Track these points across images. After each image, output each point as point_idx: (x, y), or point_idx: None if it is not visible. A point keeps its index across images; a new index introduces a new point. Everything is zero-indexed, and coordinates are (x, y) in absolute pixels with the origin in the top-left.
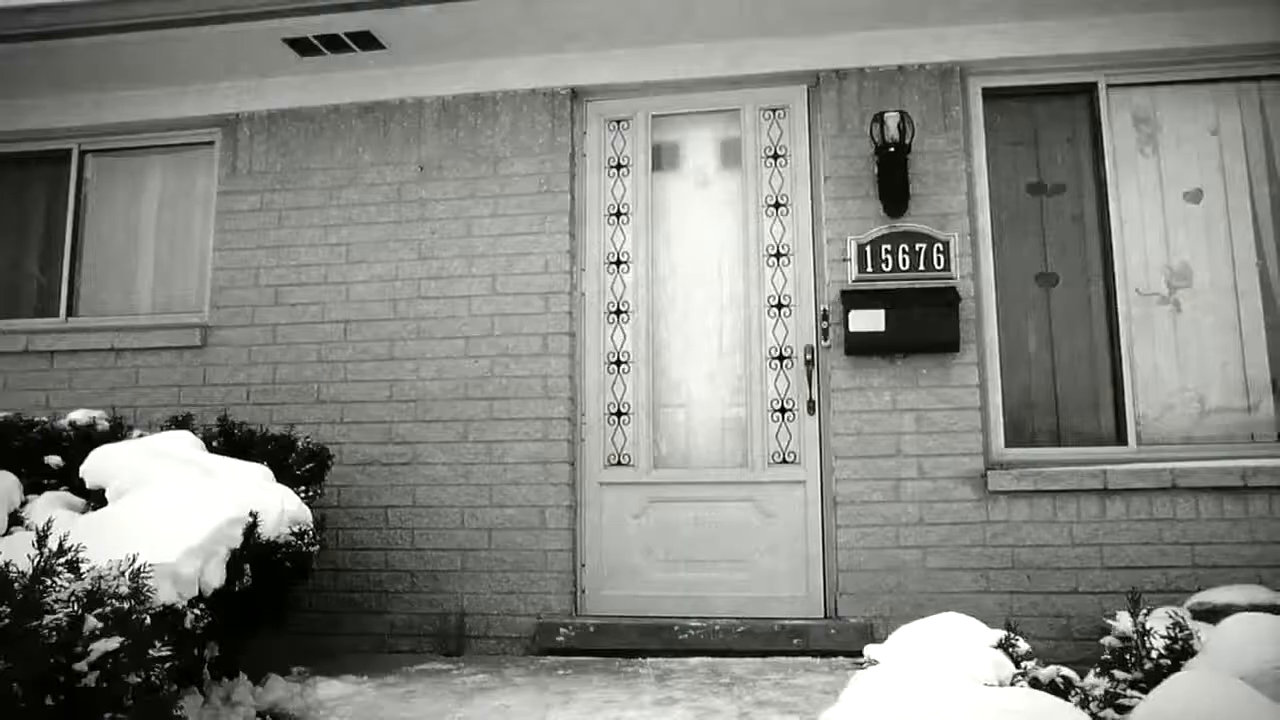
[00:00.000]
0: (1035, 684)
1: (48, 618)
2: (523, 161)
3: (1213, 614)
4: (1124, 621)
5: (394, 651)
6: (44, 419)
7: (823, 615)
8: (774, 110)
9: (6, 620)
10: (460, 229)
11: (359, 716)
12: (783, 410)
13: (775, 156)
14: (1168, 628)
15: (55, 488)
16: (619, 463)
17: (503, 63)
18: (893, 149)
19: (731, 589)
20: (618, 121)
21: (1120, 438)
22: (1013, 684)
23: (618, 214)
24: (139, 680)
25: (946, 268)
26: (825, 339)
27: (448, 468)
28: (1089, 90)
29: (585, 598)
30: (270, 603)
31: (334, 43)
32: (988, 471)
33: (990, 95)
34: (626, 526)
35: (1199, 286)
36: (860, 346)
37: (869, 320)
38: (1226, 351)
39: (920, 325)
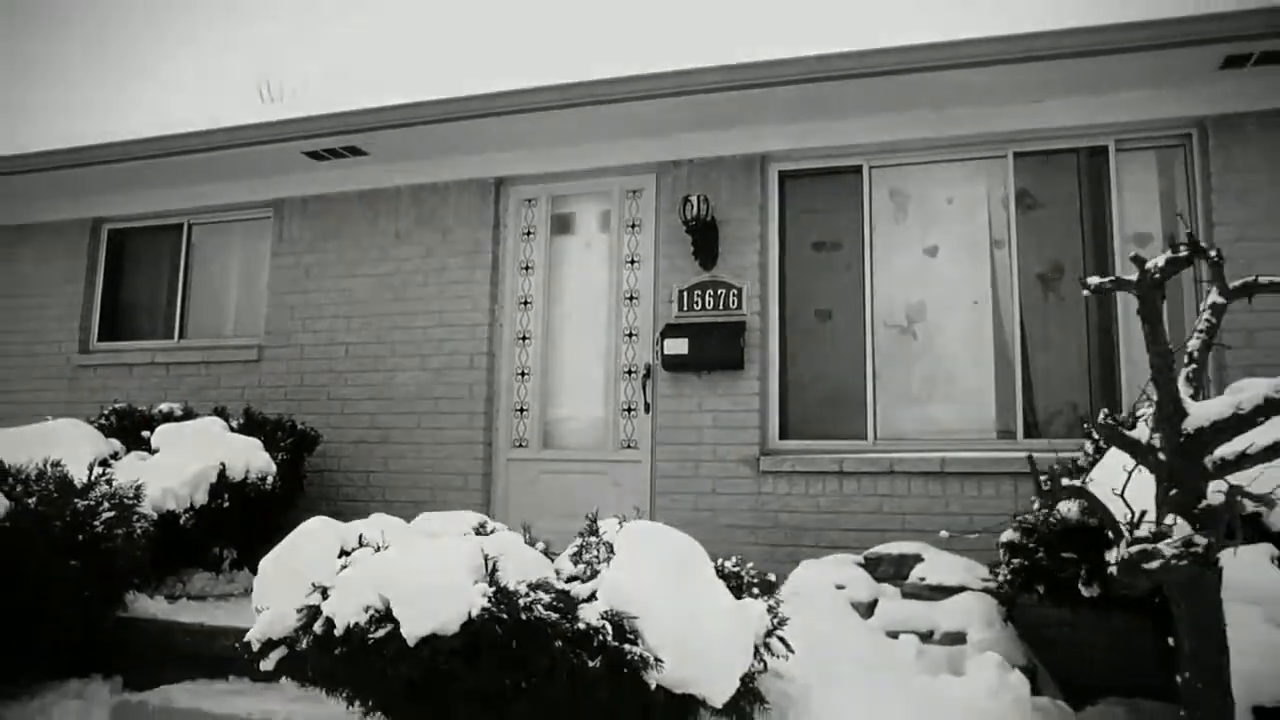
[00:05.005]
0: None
1: (81, 501)
2: (463, 230)
3: (877, 561)
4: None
5: None
6: (144, 408)
7: None
8: (633, 191)
9: (57, 498)
10: (421, 279)
11: None
12: (629, 410)
13: (633, 225)
14: None
15: (145, 449)
16: (520, 445)
17: (450, 161)
18: (694, 221)
19: None
20: (529, 200)
21: (865, 434)
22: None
23: (527, 267)
24: (122, 532)
25: (740, 307)
26: (658, 359)
27: (407, 446)
28: (857, 171)
29: None
30: (255, 522)
31: (334, 153)
32: (761, 457)
33: (785, 176)
34: (523, 490)
35: (931, 320)
36: (673, 365)
37: (677, 346)
38: (951, 369)
39: (712, 349)
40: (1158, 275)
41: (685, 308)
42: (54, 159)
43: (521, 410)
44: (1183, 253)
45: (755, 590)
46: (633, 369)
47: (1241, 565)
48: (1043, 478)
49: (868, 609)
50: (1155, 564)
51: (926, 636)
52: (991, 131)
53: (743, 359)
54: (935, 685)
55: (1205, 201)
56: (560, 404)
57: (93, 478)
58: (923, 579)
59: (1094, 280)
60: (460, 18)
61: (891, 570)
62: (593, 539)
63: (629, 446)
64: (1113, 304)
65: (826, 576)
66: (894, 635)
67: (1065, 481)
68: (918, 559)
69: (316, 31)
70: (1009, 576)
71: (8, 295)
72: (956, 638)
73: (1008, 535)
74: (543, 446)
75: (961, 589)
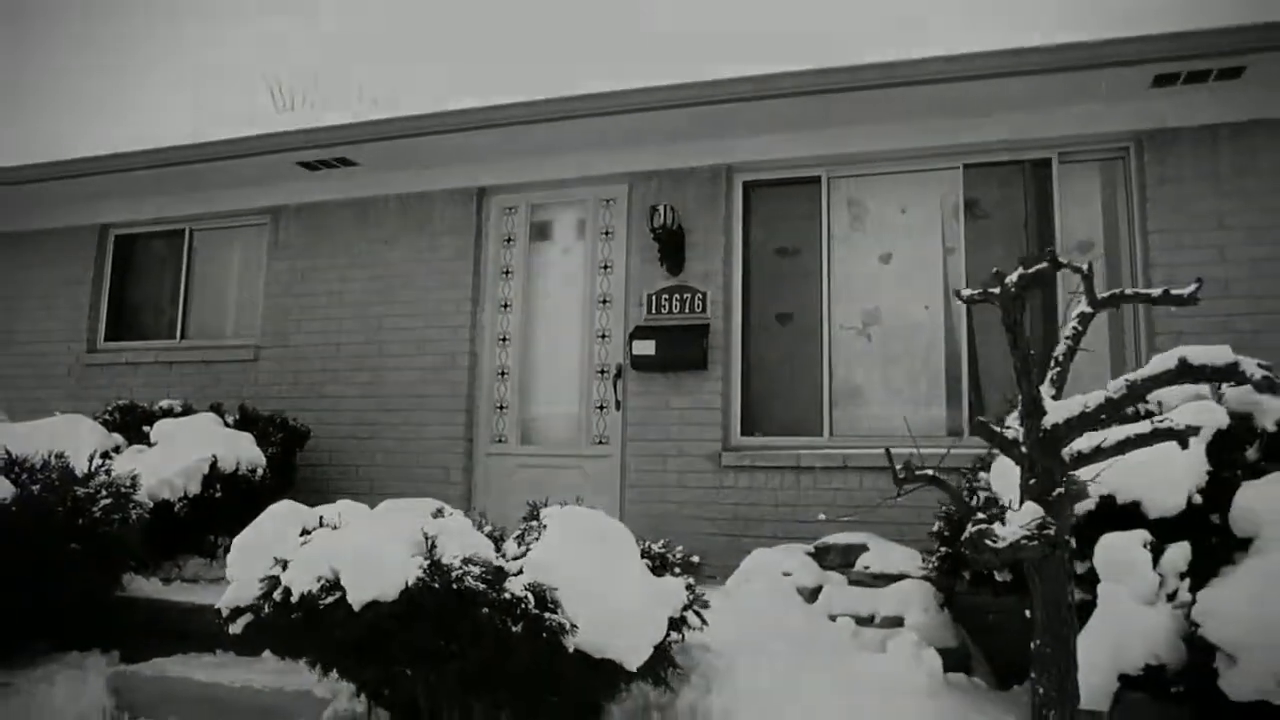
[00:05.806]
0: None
1: (81, 489)
2: (448, 237)
3: (825, 551)
4: None
5: None
6: (145, 404)
7: None
8: (607, 201)
9: (59, 486)
10: (408, 282)
11: None
12: (601, 407)
13: (607, 233)
14: None
15: (146, 443)
16: (499, 440)
17: (436, 172)
18: (661, 230)
19: None
20: (509, 209)
21: (820, 431)
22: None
23: (507, 272)
24: (119, 518)
25: (704, 310)
26: (627, 360)
27: (394, 441)
28: (816, 181)
29: None
30: (247, 511)
31: (327, 163)
32: (723, 452)
33: (749, 186)
34: (502, 483)
35: (885, 323)
36: (641, 365)
37: (645, 347)
38: (903, 370)
39: (678, 350)
40: (1014, 289)
41: (653, 311)
42: (63, 168)
43: (501, 408)
44: (1035, 269)
45: (677, 570)
46: (604, 369)
47: (1117, 549)
48: (898, 468)
49: (812, 594)
50: (1004, 544)
51: (868, 621)
52: (942, 144)
53: (706, 360)
54: (859, 662)
55: (1142, 211)
56: (537, 402)
57: (92, 468)
58: (867, 567)
59: (966, 292)
60: (456, 25)
61: (839, 559)
62: (534, 523)
63: (600, 442)
64: (1054, 310)
65: (775, 563)
66: (835, 619)
67: (919, 470)
68: (864, 548)
69: (321, 31)
70: (937, 564)
71: (19, 297)
72: (895, 622)
73: (936, 525)
74: (520, 442)
75: (903, 577)
